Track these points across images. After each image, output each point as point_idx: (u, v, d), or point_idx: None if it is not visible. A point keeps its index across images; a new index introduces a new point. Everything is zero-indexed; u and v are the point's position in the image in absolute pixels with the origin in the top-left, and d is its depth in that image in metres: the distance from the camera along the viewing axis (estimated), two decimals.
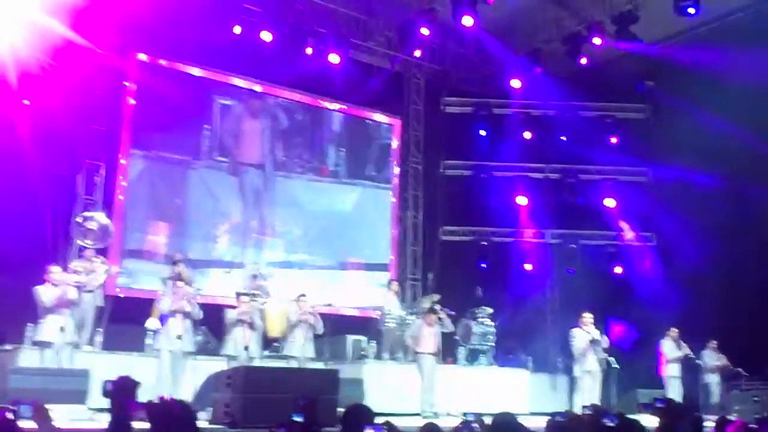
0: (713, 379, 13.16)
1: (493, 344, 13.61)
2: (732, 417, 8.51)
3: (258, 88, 15.06)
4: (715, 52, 13.85)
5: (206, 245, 13.97)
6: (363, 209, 15.99)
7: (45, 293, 9.21)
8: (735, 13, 14.22)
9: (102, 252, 11.65)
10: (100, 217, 11.66)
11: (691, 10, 13.02)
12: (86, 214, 11.83)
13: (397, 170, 16.69)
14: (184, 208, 13.93)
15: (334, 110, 16.03)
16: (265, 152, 14.99)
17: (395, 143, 16.80)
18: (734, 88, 13.08)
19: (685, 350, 12.83)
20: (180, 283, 10.13)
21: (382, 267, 15.88)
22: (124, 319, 11.84)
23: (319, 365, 11.26)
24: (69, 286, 9.45)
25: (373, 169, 16.36)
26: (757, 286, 13.00)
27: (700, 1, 12.81)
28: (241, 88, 14.93)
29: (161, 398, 5.55)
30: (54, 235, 11.91)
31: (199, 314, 10.11)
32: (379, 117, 16.66)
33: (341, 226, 15.53)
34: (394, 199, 16.52)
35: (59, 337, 9.18)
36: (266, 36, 13.77)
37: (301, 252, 14.91)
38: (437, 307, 12.03)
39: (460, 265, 15.75)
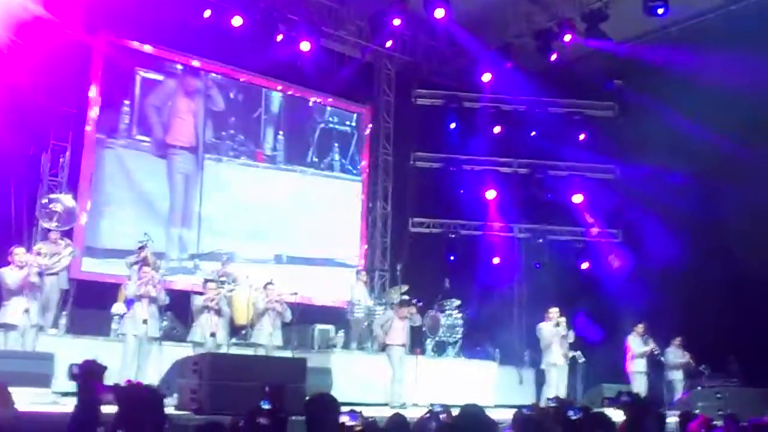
0: (677, 376, 13.30)
1: (461, 336, 13.64)
2: (695, 413, 8.63)
3: (196, 63, 14.35)
4: (684, 52, 14.05)
5: (115, 230, 12.86)
6: (307, 197, 15.30)
7: (9, 275, 9.00)
8: (705, 14, 14.38)
9: (67, 234, 11.45)
10: (65, 200, 11.45)
11: (660, 11, 13.18)
12: (52, 196, 11.62)
13: (363, 161, 16.58)
14: (97, 190, 12.95)
15: (281, 93, 15.57)
16: (199, 134, 14.17)
17: (354, 131, 16.55)
18: (703, 88, 13.24)
19: (651, 345, 12.97)
20: (146, 268, 9.98)
21: (332, 262, 15.39)
22: (89, 304, 11.67)
23: (287, 354, 11.18)
24: (33, 268, 9.25)
25: (315, 155, 15.72)
26: (723, 283, 13.16)
27: (669, 2, 12.94)
28: (173, 62, 14.12)
29: (129, 382, 5.46)
30: (18, 216, 11.67)
31: (165, 299, 9.99)
32: (348, 106, 16.52)
33: (285, 216, 14.83)
34: (352, 188, 16.24)
35: (23, 320, 8.99)
36: (236, 21, 13.61)
37: (229, 241, 13.98)
38: (406, 297, 12.03)
39: (428, 257, 15.75)
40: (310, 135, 15.84)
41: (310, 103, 16.00)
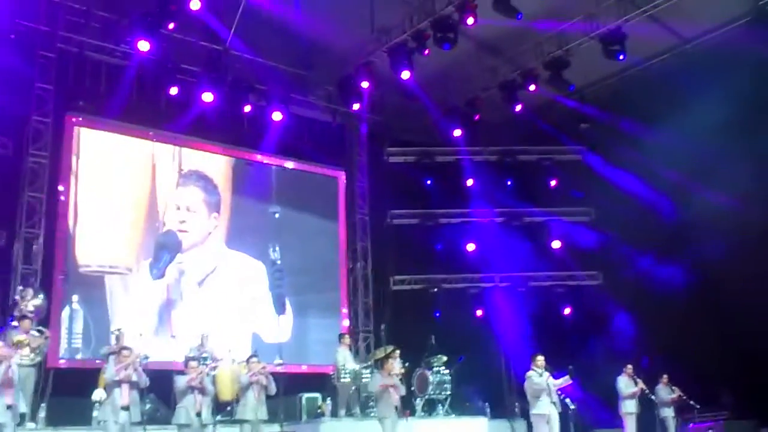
0: (669, 413, 13.20)
1: (450, 392, 13.47)
2: None
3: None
4: (646, 91, 14.38)
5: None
6: None
7: None
8: (658, 57, 14.69)
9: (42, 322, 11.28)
10: (34, 302, 11.21)
11: (621, 57, 13.51)
12: (24, 293, 11.40)
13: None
14: None
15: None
16: None
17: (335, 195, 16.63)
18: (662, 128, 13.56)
19: (641, 385, 12.89)
20: (125, 351, 9.79)
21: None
22: (67, 392, 11.43)
23: (275, 427, 11.00)
24: (13, 362, 9.03)
25: None
26: (709, 316, 13.19)
27: (626, 48, 13.24)
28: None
29: None
30: None
31: (146, 382, 9.77)
32: (323, 170, 16.59)
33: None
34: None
35: (6, 417, 8.73)
36: (207, 97, 13.73)
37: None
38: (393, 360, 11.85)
39: (412, 314, 15.68)
40: None
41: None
